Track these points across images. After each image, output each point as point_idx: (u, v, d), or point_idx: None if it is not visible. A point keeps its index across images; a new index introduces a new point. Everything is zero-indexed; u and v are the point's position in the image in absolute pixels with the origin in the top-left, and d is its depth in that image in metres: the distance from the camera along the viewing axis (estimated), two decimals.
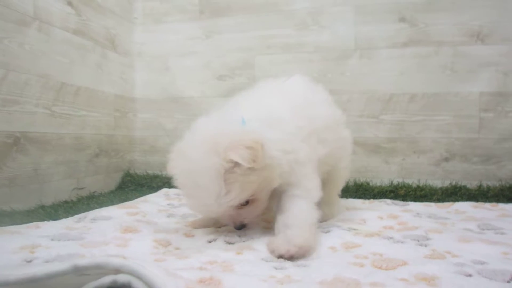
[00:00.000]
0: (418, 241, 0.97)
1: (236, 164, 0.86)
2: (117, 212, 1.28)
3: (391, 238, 0.99)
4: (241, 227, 1.00)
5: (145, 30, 2.09)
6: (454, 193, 1.63)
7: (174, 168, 0.94)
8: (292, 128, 0.98)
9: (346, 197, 1.66)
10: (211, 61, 2.00)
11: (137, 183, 1.95)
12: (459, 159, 1.73)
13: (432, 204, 1.49)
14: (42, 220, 1.18)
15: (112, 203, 1.54)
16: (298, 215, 0.92)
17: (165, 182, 1.92)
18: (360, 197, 1.67)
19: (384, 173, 1.81)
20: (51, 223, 1.12)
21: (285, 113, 0.99)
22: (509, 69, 1.67)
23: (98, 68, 1.81)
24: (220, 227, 1.10)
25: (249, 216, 0.98)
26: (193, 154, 0.88)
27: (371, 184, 1.77)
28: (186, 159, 0.90)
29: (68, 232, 1.03)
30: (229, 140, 0.86)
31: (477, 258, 0.83)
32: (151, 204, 1.48)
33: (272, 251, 0.87)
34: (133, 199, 1.64)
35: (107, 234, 1.02)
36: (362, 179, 1.80)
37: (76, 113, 1.67)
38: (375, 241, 0.97)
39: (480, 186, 1.65)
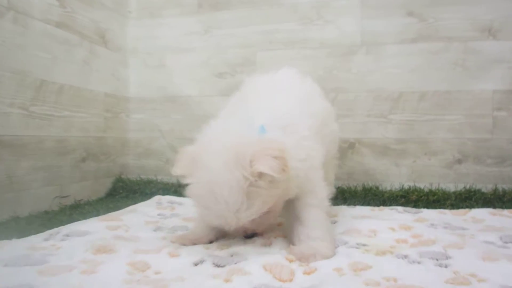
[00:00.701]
0: (437, 260, 0.86)
1: (261, 177, 0.82)
2: (96, 226, 1.15)
3: (405, 257, 0.88)
4: (252, 236, 0.98)
5: (140, 25, 1.98)
6: (468, 198, 1.54)
7: (188, 176, 0.87)
8: (305, 130, 0.96)
9: (354, 203, 1.57)
10: (210, 58, 1.90)
11: (129, 189, 1.83)
12: (472, 161, 1.64)
13: (447, 211, 1.39)
14: (11, 235, 1.05)
15: (98, 213, 1.42)
16: (319, 227, 0.93)
17: (159, 188, 1.80)
18: (368, 203, 1.57)
19: (394, 176, 1.71)
20: (13, 242, 0.98)
21: (296, 115, 0.98)
22: None
23: (86, 65, 1.69)
24: (211, 242, 1.02)
25: (262, 226, 0.95)
26: (213, 164, 0.82)
27: (380, 188, 1.67)
28: (204, 168, 0.84)
29: (31, 253, 0.89)
30: (254, 150, 0.82)
31: (506, 283, 0.73)
32: (139, 214, 1.36)
33: (299, 259, 0.87)
34: (123, 207, 1.52)
35: (75, 256, 0.88)
36: (370, 183, 1.71)
37: (59, 113, 1.54)
38: (388, 261, 0.86)
39: (495, 189, 1.56)
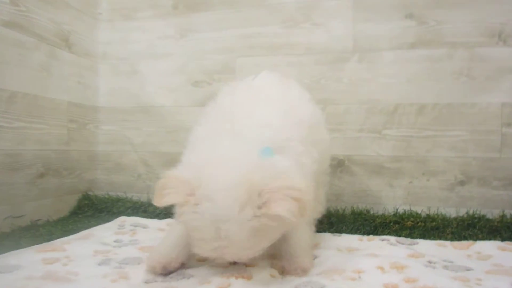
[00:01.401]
0: None
1: (274, 218, 0.74)
2: (30, 259, 0.97)
3: None
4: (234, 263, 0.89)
5: (111, 28, 1.80)
6: (472, 225, 1.34)
7: (184, 206, 0.76)
8: (299, 145, 0.90)
9: (341, 229, 1.38)
10: (186, 65, 1.72)
11: (95, 208, 1.65)
12: (477, 182, 1.45)
13: (447, 243, 1.20)
14: None
15: (50, 236, 1.25)
16: (302, 245, 0.93)
17: (128, 206, 1.62)
18: (358, 229, 1.37)
19: (388, 199, 1.52)
20: None
21: (291, 130, 0.91)
22: None
23: (44, 71, 1.51)
24: (183, 264, 0.91)
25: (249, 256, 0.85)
26: (220, 197, 0.73)
27: (371, 212, 1.48)
28: (209, 200, 0.73)
29: None
30: (271, 187, 0.74)
31: None
32: (92, 241, 1.18)
33: (282, 272, 0.89)
34: (84, 228, 1.36)
35: None
36: (361, 206, 1.52)
37: (10, 124, 1.36)
38: None
39: (502, 216, 1.37)
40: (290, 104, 0.99)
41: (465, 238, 1.28)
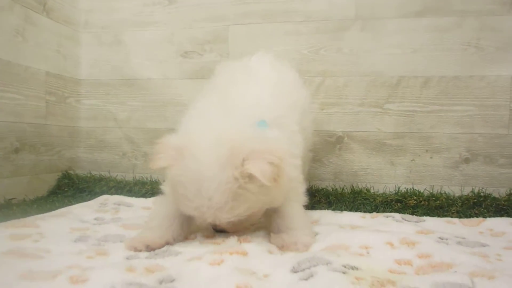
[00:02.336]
0: None
1: (251, 179, 0.77)
2: None
3: None
4: (222, 231, 0.90)
5: None
6: (477, 204, 1.27)
7: (172, 168, 0.81)
8: (293, 124, 0.95)
9: (340, 208, 1.30)
10: (175, 34, 1.59)
11: (76, 187, 1.53)
12: (483, 160, 1.37)
13: (456, 220, 1.13)
14: None
15: (25, 214, 1.14)
16: (299, 219, 0.92)
17: (112, 186, 1.51)
18: (358, 209, 1.30)
19: (389, 178, 1.44)
20: None
21: (284, 109, 0.95)
22: None
23: (19, 35, 1.38)
24: (168, 244, 0.87)
25: (236, 227, 0.88)
26: (204, 156, 0.78)
27: (372, 191, 1.40)
28: (193, 159, 0.78)
29: None
30: (250, 149, 0.78)
31: None
32: (69, 218, 1.08)
33: (281, 247, 0.86)
34: (62, 209, 1.24)
35: None
36: (360, 185, 1.43)
37: None
38: None
39: (510, 194, 1.29)
40: (285, 87, 1.04)
41: (472, 217, 1.21)
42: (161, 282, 0.66)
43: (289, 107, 0.97)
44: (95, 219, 1.12)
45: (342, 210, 1.27)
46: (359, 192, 1.38)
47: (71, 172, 1.62)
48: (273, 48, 1.49)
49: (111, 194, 1.47)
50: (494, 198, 1.28)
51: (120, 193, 1.47)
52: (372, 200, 1.33)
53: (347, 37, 1.44)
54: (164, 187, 0.93)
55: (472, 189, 1.34)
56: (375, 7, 1.41)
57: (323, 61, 1.46)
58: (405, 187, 1.39)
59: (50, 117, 1.53)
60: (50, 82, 1.52)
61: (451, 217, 1.21)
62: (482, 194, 1.30)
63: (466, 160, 1.38)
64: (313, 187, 1.43)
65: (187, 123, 0.91)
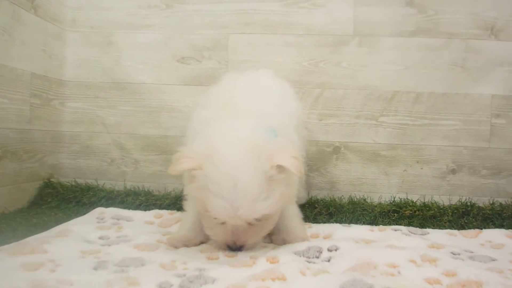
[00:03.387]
0: None
1: (281, 171, 0.86)
2: (6, 264, 0.78)
3: None
4: (238, 249, 0.92)
5: None
6: (466, 213, 1.37)
7: (200, 169, 0.84)
8: (294, 134, 1.05)
9: (341, 220, 1.33)
10: (171, 39, 1.56)
11: (61, 198, 1.43)
12: (467, 171, 1.49)
13: (456, 232, 1.19)
14: None
15: (14, 232, 1.04)
16: (295, 219, 1.04)
17: (101, 196, 1.43)
18: (358, 219, 1.33)
19: (383, 187, 1.51)
20: None
21: (289, 122, 1.05)
22: None
23: (6, 34, 1.27)
24: (202, 243, 0.99)
25: (256, 236, 0.93)
26: (234, 154, 0.83)
27: (368, 201, 1.45)
28: (225, 157, 0.83)
29: None
30: (275, 147, 0.87)
31: None
32: (73, 239, 0.99)
33: (283, 243, 0.98)
34: (51, 222, 1.17)
35: None
36: (358, 195, 1.48)
37: None
38: None
39: (492, 204, 1.41)
40: (286, 99, 1.13)
41: (462, 227, 1.30)
42: None
43: (289, 115, 1.07)
44: (100, 238, 1.04)
45: (345, 223, 1.29)
46: (357, 203, 1.42)
47: (54, 180, 1.50)
48: (274, 58, 1.51)
49: (101, 205, 1.38)
50: (479, 207, 1.38)
51: (112, 204, 1.39)
52: (370, 211, 1.37)
53: (346, 51, 1.50)
54: (188, 193, 0.98)
55: (459, 198, 1.45)
56: (373, 24, 1.49)
57: (322, 74, 1.51)
58: (399, 197, 1.46)
59: (34, 121, 1.42)
60: (35, 84, 1.41)
61: (444, 227, 1.30)
62: (468, 203, 1.40)
63: (453, 171, 1.49)
64: (312, 198, 1.45)
65: (202, 129, 0.94)
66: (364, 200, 1.45)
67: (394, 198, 1.45)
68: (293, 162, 0.85)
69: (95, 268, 0.81)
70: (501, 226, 1.29)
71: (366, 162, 1.51)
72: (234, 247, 0.91)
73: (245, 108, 0.98)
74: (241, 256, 0.91)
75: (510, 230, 1.20)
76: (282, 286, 0.73)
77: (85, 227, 1.11)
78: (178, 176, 1.49)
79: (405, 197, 1.45)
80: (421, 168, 1.50)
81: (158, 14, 1.56)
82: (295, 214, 1.05)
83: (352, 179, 1.52)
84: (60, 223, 1.15)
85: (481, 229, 1.23)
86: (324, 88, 1.51)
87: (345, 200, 1.45)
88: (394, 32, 1.48)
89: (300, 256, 0.92)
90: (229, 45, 1.53)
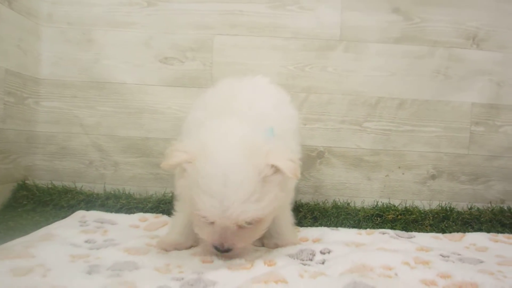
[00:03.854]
0: None
1: (275, 171, 0.82)
2: None
3: None
4: (227, 251, 0.87)
5: None
6: (446, 218, 1.40)
7: (193, 161, 0.81)
8: (295, 143, 1.07)
9: (326, 224, 1.33)
10: (154, 38, 1.51)
11: (37, 201, 1.37)
12: (447, 177, 1.52)
13: (441, 235, 1.23)
14: None
15: None
16: (288, 225, 1.05)
17: (80, 199, 1.38)
18: (342, 223, 1.35)
19: (365, 192, 1.52)
20: None
21: (288, 126, 1.04)
22: (502, 80, 1.50)
23: None
24: (192, 247, 0.99)
25: (246, 240, 0.89)
26: (229, 151, 0.80)
27: (352, 205, 1.47)
28: (219, 152, 0.80)
29: None
30: (271, 146, 0.84)
31: None
32: (58, 243, 0.96)
33: (275, 247, 0.99)
34: (30, 226, 1.14)
35: None
36: (340, 199, 1.49)
37: None
38: None
39: (470, 209, 1.45)
40: (284, 104, 1.11)
41: (443, 230, 1.33)
42: None
43: (288, 119, 1.07)
44: (87, 241, 1.01)
45: (330, 227, 1.31)
46: (341, 207, 1.43)
47: (29, 182, 1.44)
48: (260, 61, 1.49)
49: (81, 208, 1.34)
50: (458, 212, 1.42)
51: (91, 208, 1.35)
52: (354, 215, 1.39)
53: (332, 56, 1.50)
54: (179, 193, 0.94)
55: (439, 203, 1.48)
56: (359, 30, 1.49)
57: (308, 78, 1.50)
58: (381, 202, 1.48)
59: (8, 120, 1.35)
60: (9, 81, 1.34)
61: (426, 230, 1.32)
62: (448, 208, 1.44)
63: (433, 177, 1.52)
64: (297, 202, 1.45)
65: (196, 130, 0.90)
66: (348, 204, 1.47)
67: (377, 202, 1.47)
68: (289, 164, 0.82)
69: (89, 273, 0.80)
70: (479, 230, 1.33)
71: (349, 167, 1.52)
72: (222, 249, 0.86)
73: (244, 110, 0.95)
74: (236, 259, 0.89)
75: (492, 233, 1.24)
76: None
77: (68, 231, 1.09)
78: (160, 179, 1.47)
79: (387, 202, 1.47)
80: (403, 174, 1.52)
81: (140, 12, 1.50)
82: (288, 219, 1.05)
83: (336, 184, 1.52)
84: (39, 227, 1.12)
85: (460, 232, 1.27)
86: (309, 93, 1.50)
87: (329, 204, 1.45)
88: (380, 38, 1.49)
89: (294, 259, 0.93)
90: (214, 46, 1.50)
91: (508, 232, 1.33)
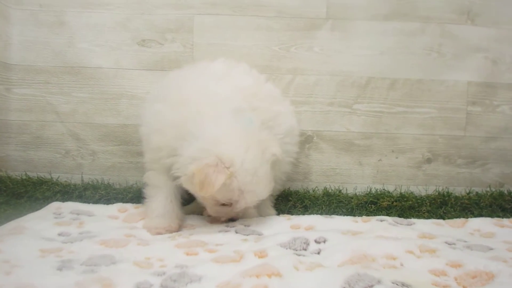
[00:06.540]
0: None
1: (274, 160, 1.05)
2: None
3: None
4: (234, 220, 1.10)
5: None
6: (444, 203, 1.33)
7: (233, 174, 0.95)
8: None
9: (319, 211, 1.25)
10: (131, 19, 1.43)
11: (10, 192, 1.29)
12: (443, 160, 1.44)
13: (442, 221, 1.15)
14: None
15: None
16: (270, 197, 1.21)
17: (56, 191, 1.30)
18: (334, 212, 1.27)
19: (357, 178, 1.44)
20: None
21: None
22: (498, 57, 1.43)
23: None
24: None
25: (249, 214, 1.12)
26: (252, 155, 0.96)
27: (344, 192, 1.39)
28: (248, 162, 0.96)
29: None
30: (267, 138, 1.05)
31: None
32: (29, 236, 0.89)
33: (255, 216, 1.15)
34: (5, 219, 1.05)
35: None
36: (331, 185, 1.41)
37: None
38: None
39: (469, 193, 1.37)
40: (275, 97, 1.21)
41: (441, 217, 1.25)
42: None
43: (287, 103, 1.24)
44: (60, 234, 0.94)
45: (322, 213, 1.23)
46: (333, 195, 1.35)
47: (2, 173, 1.36)
48: (243, 42, 1.41)
49: (57, 200, 1.26)
50: (456, 197, 1.34)
51: (68, 199, 1.27)
52: (347, 203, 1.31)
53: (318, 36, 1.42)
54: (149, 179, 1.10)
55: (436, 188, 1.40)
56: (346, 7, 1.41)
57: (294, 59, 1.42)
58: (375, 188, 1.40)
59: None
60: None
61: (424, 217, 1.24)
62: (445, 193, 1.36)
63: (428, 160, 1.44)
64: (285, 190, 1.37)
65: (199, 128, 0.98)
66: (340, 191, 1.39)
67: (370, 189, 1.39)
68: (280, 150, 1.04)
69: (59, 269, 0.72)
70: (479, 215, 1.26)
71: (339, 151, 1.44)
72: (233, 219, 1.09)
73: (203, 100, 1.04)
74: (224, 251, 0.85)
75: (496, 218, 1.16)
76: (280, 283, 0.67)
77: (41, 223, 1.01)
78: (141, 168, 1.39)
79: (381, 188, 1.40)
80: (396, 158, 1.44)
81: None
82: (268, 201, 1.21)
83: (326, 170, 1.44)
84: (11, 220, 1.04)
85: (460, 218, 1.19)
86: (295, 74, 1.42)
87: (320, 192, 1.38)
88: (368, 16, 1.41)
89: (287, 249, 0.87)
90: (194, 27, 1.42)
91: (509, 217, 1.26)
